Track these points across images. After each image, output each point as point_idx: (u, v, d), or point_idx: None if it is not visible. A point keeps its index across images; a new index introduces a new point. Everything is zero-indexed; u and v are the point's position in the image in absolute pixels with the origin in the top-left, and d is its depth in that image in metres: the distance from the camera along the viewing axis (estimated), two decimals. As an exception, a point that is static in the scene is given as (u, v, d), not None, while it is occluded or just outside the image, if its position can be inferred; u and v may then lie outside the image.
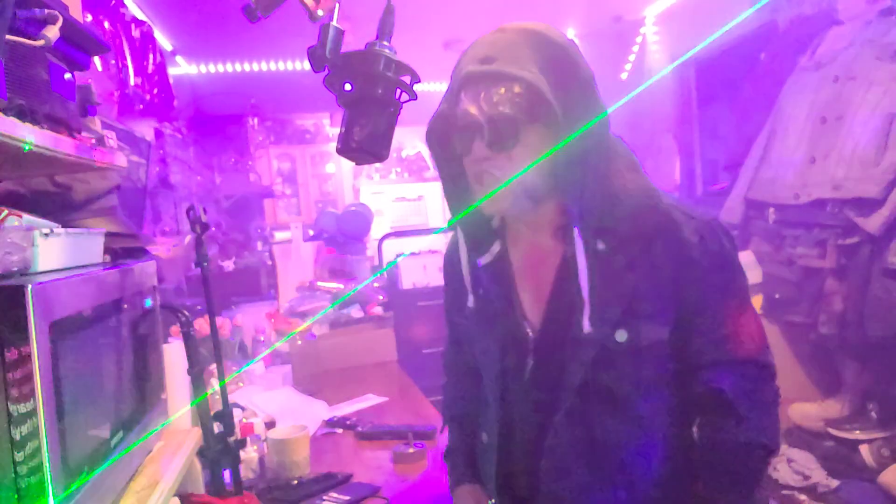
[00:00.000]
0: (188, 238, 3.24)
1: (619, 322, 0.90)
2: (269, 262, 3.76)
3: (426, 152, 6.36)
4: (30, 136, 0.72)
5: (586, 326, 0.91)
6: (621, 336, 0.90)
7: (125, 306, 0.97)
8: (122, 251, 1.17)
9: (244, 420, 1.77)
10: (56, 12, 0.75)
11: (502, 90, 0.87)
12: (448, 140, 0.97)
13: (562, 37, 0.92)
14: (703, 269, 0.90)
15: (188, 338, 1.24)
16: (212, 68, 4.30)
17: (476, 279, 1.06)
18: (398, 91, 0.94)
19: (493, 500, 1.08)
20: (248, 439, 1.60)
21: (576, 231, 0.91)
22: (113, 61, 2.54)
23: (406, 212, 6.02)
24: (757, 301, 2.40)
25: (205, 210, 1.30)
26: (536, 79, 0.86)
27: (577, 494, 0.96)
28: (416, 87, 0.97)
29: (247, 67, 4.32)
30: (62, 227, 0.85)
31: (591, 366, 0.92)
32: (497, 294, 1.03)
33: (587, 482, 0.95)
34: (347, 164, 5.61)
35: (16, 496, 0.64)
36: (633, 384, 0.93)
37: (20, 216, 0.81)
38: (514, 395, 1.03)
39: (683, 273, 0.90)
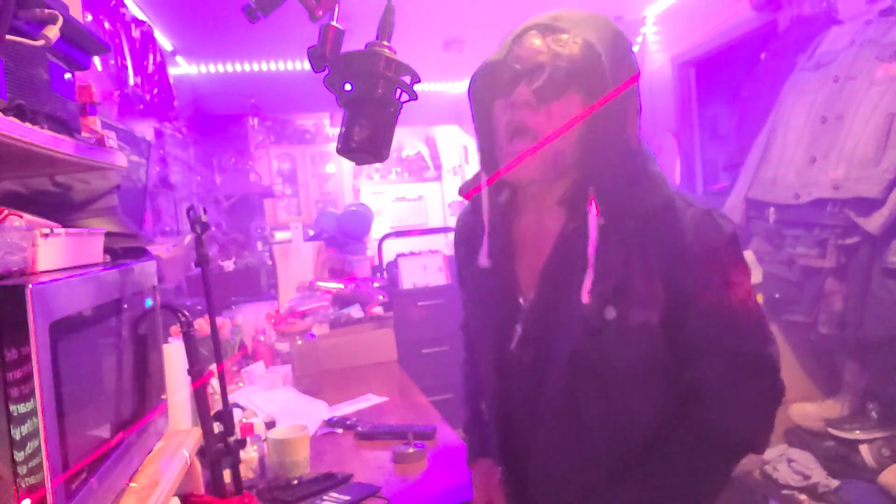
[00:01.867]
0: (188, 238, 3.24)
1: (609, 299, 0.89)
2: (269, 262, 3.76)
3: (426, 152, 6.37)
4: (30, 136, 0.72)
5: (585, 297, 0.89)
6: (609, 313, 0.89)
7: (125, 306, 0.97)
8: (122, 251, 1.17)
9: (244, 420, 1.77)
10: (56, 12, 0.75)
11: (568, 38, 0.88)
12: (494, 88, 0.95)
13: (619, 28, 0.94)
14: (694, 256, 0.89)
15: (188, 338, 1.24)
16: (212, 68, 4.31)
17: (494, 241, 1.04)
18: (398, 91, 0.94)
19: (501, 468, 1.09)
20: (248, 439, 1.60)
21: (592, 205, 0.90)
22: (113, 61, 2.54)
23: (406, 212, 6.02)
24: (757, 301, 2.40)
25: (205, 210, 1.30)
26: (595, 39, 0.88)
27: (567, 470, 0.96)
28: (416, 87, 0.97)
29: (247, 67, 4.33)
30: (62, 227, 0.85)
31: (580, 339, 0.91)
32: (499, 262, 1.03)
33: (576, 459, 0.95)
34: (347, 164, 5.61)
35: (16, 496, 0.64)
36: (618, 364, 0.92)
37: (20, 216, 0.81)
38: (506, 364, 1.03)
39: (675, 258, 0.89)
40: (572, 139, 0.90)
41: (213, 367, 1.33)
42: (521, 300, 1.01)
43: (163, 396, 1.16)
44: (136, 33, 2.79)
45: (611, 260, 0.89)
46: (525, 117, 0.90)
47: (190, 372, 1.25)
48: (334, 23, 0.89)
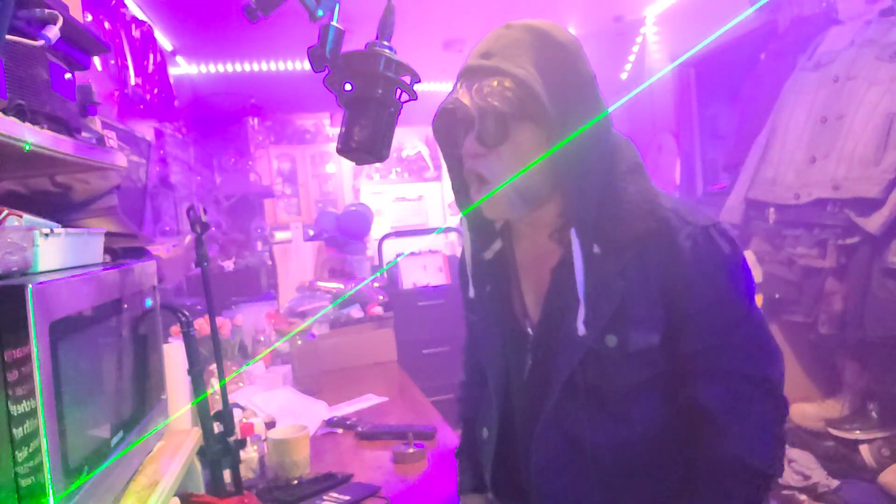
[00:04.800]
0: (188, 238, 3.24)
1: (608, 327, 0.89)
2: (269, 262, 3.76)
3: (426, 152, 6.37)
4: (30, 136, 0.72)
5: (581, 329, 0.89)
6: (611, 341, 0.89)
7: (125, 306, 0.97)
8: (122, 251, 1.17)
9: (244, 420, 1.77)
10: (56, 12, 0.75)
11: (494, 83, 0.86)
12: (449, 135, 0.98)
13: (567, 36, 0.91)
14: (692, 276, 0.88)
15: (188, 338, 1.24)
16: (212, 68, 4.31)
17: (480, 274, 1.05)
18: (398, 91, 0.94)
19: (490, 495, 1.08)
20: (248, 439, 1.60)
21: (573, 233, 0.90)
22: (113, 61, 2.54)
23: (406, 212, 6.02)
24: (757, 301, 2.40)
25: (205, 210, 1.30)
26: (528, 76, 0.85)
27: (563, 492, 0.95)
28: (416, 87, 0.97)
29: (247, 67, 4.33)
30: (62, 227, 0.85)
31: (579, 366, 0.91)
32: (498, 291, 1.03)
33: (572, 481, 0.94)
34: (347, 164, 5.61)
35: (16, 496, 0.64)
36: (620, 388, 0.91)
37: (20, 216, 0.81)
38: (515, 392, 1.02)
39: (673, 279, 0.88)
40: (534, 171, 0.89)
41: (213, 366, 1.33)
42: (528, 329, 1.01)
43: (163, 396, 1.16)
44: (136, 33, 2.79)
45: (608, 288, 0.89)
46: (478, 166, 0.91)
47: (190, 372, 1.25)
48: (334, 23, 0.89)
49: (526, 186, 0.90)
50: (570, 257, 0.91)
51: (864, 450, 2.14)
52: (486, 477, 1.08)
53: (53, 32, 0.74)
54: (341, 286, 3.10)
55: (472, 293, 1.07)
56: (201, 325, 2.06)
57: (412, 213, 6.03)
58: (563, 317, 0.93)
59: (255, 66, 4.32)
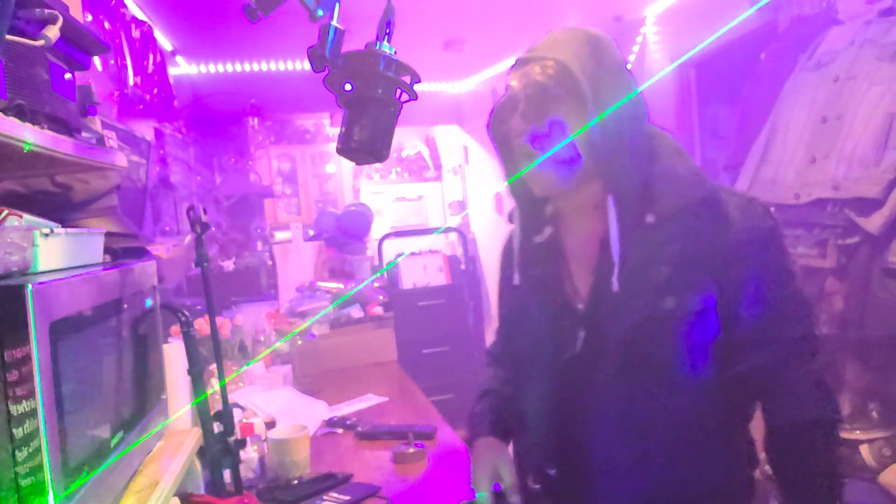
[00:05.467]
0: (188, 238, 3.23)
1: (663, 290, 0.94)
2: (269, 262, 3.76)
3: (426, 152, 6.37)
4: (30, 136, 0.72)
5: (615, 286, 0.96)
6: (668, 302, 0.94)
7: (125, 306, 0.97)
8: (122, 251, 1.17)
9: (244, 420, 1.77)
10: (56, 12, 0.75)
11: (537, 67, 0.99)
12: (503, 127, 1.08)
13: (602, 34, 1.03)
14: (744, 244, 0.95)
15: (188, 338, 1.24)
16: (212, 68, 4.31)
17: (528, 259, 1.12)
18: (398, 91, 0.94)
19: (553, 470, 1.08)
20: (248, 439, 1.60)
21: (609, 200, 0.97)
22: (113, 61, 2.54)
23: (406, 212, 6.02)
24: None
25: (205, 210, 1.30)
26: (565, 57, 0.97)
27: (623, 461, 0.99)
28: (416, 87, 0.97)
29: (247, 67, 4.33)
30: (62, 227, 0.85)
31: (632, 332, 0.96)
32: (547, 273, 1.10)
33: (631, 448, 0.98)
34: (347, 164, 5.61)
35: (16, 496, 0.64)
36: (677, 352, 0.95)
37: (20, 216, 0.81)
38: (564, 367, 1.06)
39: (725, 246, 0.95)
40: (579, 144, 0.98)
41: (213, 366, 1.33)
42: (578, 305, 1.06)
43: (163, 396, 1.16)
44: (136, 33, 2.79)
45: (663, 253, 0.95)
46: (525, 141, 1.01)
47: (190, 372, 1.25)
48: (334, 23, 0.89)
49: (570, 157, 0.99)
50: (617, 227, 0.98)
51: (865, 450, 2.13)
52: (547, 447, 1.09)
53: (53, 32, 0.74)
54: (341, 286, 3.11)
55: (516, 280, 1.13)
56: (201, 325, 2.06)
57: (412, 213, 6.04)
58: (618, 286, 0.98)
59: (255, 66, 4.32)
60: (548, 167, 0.99)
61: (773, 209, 2.44)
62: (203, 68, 4.30)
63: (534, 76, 0.98)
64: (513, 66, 1.04)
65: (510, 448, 1.18)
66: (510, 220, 1.17)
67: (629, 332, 0.96)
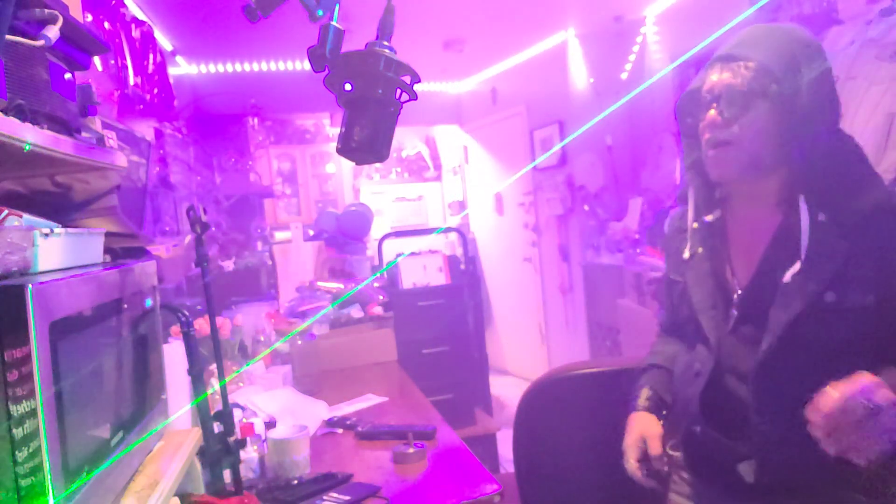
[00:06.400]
0: (188, 238, 3.24)
1: (830, 284, 1.01)
2: (269, 262, 3.76)
3: (426, 152, 6.37)
4: (30, 136, 0.72)
5: (787, 277, 1.04)
6: (829, 297, 1.01)
7: (125, 306, 0.97)
8: (122, 251, 1.17)
9: (244, 420, 1.77)
10: (56, 12, 0.75)
11: (740, 66, 1.07)
12: (692, 112, 1.18)
13: (807, 34, 1.09)
14: None
15: (188, 338, 1.24)
16: (212, 68, 4.31)
17: (697, 237, 1.22)
18: (398, 91, 0.94)
19: (698, 427, 1.17)
20: (248, 439, 1.60)
21: (802, 200, 1.05)
22: (113, 61, 2.54)
23: (406, 212, 6.03)
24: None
25: (205, 210, 1.30)
26: (769, 60, 1.04)
27: (783, 440, 1.04)
28: (416, 87, 0.97)
29: (247, 67, 4.33)
30: (62, 227, 0.85)
31: (795, 319, 1.02)
32: (711, 252, 1.20)
33: (785, 432, 1.03)
34: (347, 164, 5.61)
35: (16, 496, 0.64)
36: (835, 343, 1.02)
37: (20, 216, 0.81)
38: (723, 343, 1.16)
39: (892, 249, 1.01)
40: (766, 143, 1.07)
41: (213, 366, 1.33)
42: (736, 287, 1.16)
43: (163, 396, 1.16)
44: (136, 33, 2.79)
45: (832, 250, 1.02)
46: (716, 134, 1.10)
47: (190, 372, 1.25)
48: (334, 23, 0.89)
49: (756, 152, 1.08)
50: (792, 222, 1.07)
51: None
52: (694, 406, 1.17)
53: (53, 32, 0.74)
54: (341, 286, 3.11)
55: (686, 254, 1.23)
56: (201, 325, 2.06)
57: (412, 213, 6.04)
58: (779, 275, 1.06)
59: (255, 66, 4.32)
60: (733, 160, 1.09)
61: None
62: (203, 68, 4.30)
63: (735, 77, 1.06)
64: (714, 59, 1.12)
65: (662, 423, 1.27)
66: (679, 201, 1.29)
67: (790, 320, 1.03)
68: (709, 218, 1.21)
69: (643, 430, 1.25)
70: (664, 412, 1.30)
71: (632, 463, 1.24)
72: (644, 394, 1.33)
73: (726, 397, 1.13)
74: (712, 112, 1.10)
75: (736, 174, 1.12)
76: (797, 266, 1.03)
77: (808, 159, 1.05)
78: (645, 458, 1.23)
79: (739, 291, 1.15)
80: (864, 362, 0.98)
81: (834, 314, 1.02)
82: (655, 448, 1.22)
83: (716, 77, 1.10)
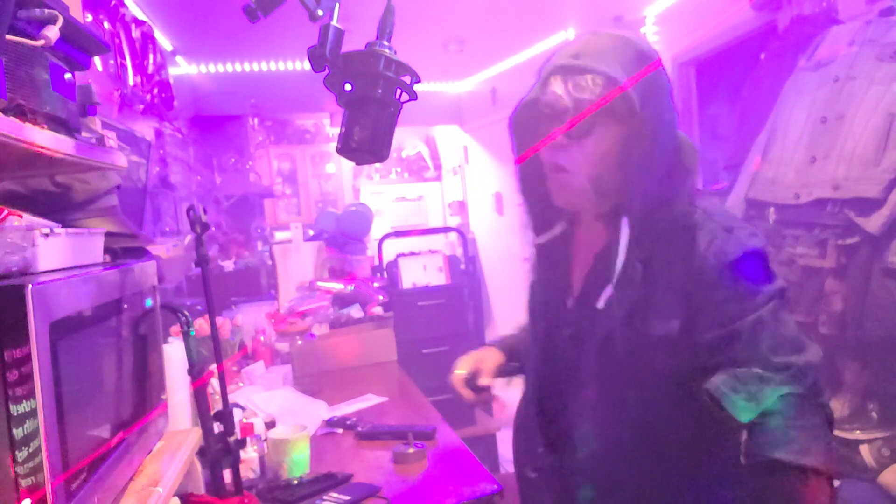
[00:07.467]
0: (188, 238, 3.24)
1: (633, 309, 0.95)
2: (269, 262, 3.76)
3: (426, 152, 6.37)
4: (30, 136, 0.72)
5: (600, 303, 0.98)
6: (635, 323, 0.95)
7: (125, 306, 0.97)
8: (122, 251, 1.17)
9: (244, 420, 1.77)
10: (56, 12, 0.75)
11: (588, 80, 0.94)
12: (529, 126, 1.03)
13: (648, 46, 0.99)
14: (709, 269, 0.92)
15: (188, 338, 1.24)
16: (212, 68, 4.31)
17: (536, 258, 1.17)
18: (398, 91, 0.94)
19: (541, 449, 1.14)
20: (248, 439, 1.60)
21: (624, 222, 0.96)
22: (113, 61, 2.54)
23: (406, 212, 6.03)
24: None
25: (205, 210, 1.30)
26: (616, 73, 0.92)
27: (595, 465, 1.01)
28: (416, 87, 0.97)
29: (247, 67, 4.33)
30: (62, 227, 0.85)
31: (608, 343, 0.98)
32: (551, 269, 1.13)
33: (604, 455, 1.00)
34: (347, 164, 5.61)
35: (16, 496, 0.64)
36: (645, 370, 0.96)
37: (20, 216, 0.81)
38: (555, 354, 1.12)
39: (693, 272, 0.93)
40: (610, 165, 0.97)
41: (213, 367, 1.33)
42: (569, 304, 1.10)
43: (163, 396, 1.16)
44: (136, 33, 2.79)
45: (635, 274, 0.95)
46: (559, 156, 0.98)
47: (190, 372, 1.25)
48: (334, 23, 0.89)
49: (600, 179, 0.97)
50: (615, 242, 0.97)
51: (864, 450, 2.13)
52: (533, 434, 1.15)
53: (53, 32, 0.74)
54: (341, 286, 3.11)
55: (532, 277, 1.19)
56: (201, 325, 2.06)
57: (412, 213, 6.04)
58: (597, 295, 1.00)
59: (255, 66, 4.32)
60: (576, 185, 0.98)
61: (772, 209, 2.44)
62: (203, 68, 4.30)
63: (583, 93, 0.94)
64: (552, 69, 0.98)
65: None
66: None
67: (598, 347, 0.99)
68: (541, 240, 1.13)
69: (482, 354, 1.29)
70: (512, 356, 1.31)
71: (463, 371, 1.28)
72: (497, 339, 1.36)
73: (567, 420, 1.09)
74: (556, 131, 0.97)
75: (577, 202, 1.03)
76: (609, 290, 0.97)
77: (644, 180, 0.95)
78: (472, 381, 1.26)
79: (571, 310, 1.10)
80: (681, 391, 0.94)
81: (640, 342, 0.95)
82: (489, 370, 1.25)
83: (560, 90, 0.95)
